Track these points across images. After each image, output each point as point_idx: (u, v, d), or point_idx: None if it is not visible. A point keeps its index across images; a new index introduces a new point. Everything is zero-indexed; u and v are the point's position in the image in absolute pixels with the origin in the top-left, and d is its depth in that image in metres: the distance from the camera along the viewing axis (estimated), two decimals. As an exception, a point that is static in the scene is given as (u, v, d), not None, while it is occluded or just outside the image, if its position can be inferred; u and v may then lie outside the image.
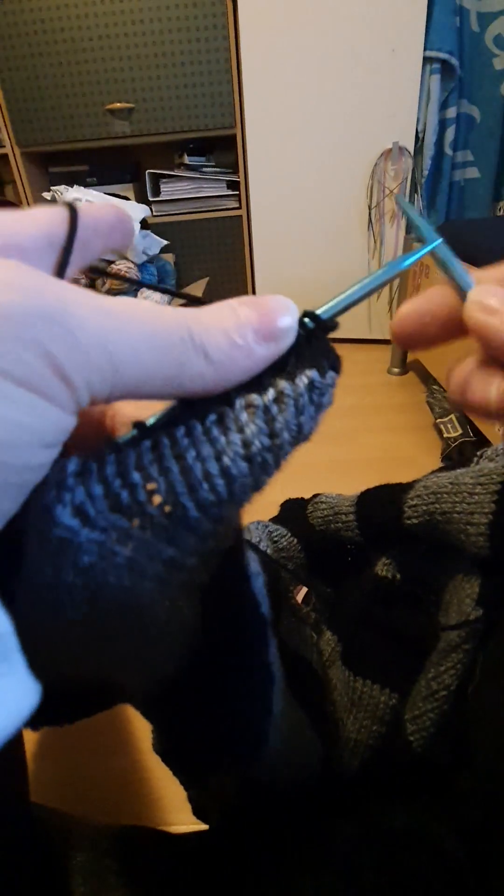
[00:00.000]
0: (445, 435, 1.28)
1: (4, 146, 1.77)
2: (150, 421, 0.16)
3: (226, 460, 0.15)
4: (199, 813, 0.33)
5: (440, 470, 0.38)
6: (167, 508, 0.15)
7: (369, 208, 1.79)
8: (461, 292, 0.19)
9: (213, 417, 0.15)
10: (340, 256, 1.88)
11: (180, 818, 0.33)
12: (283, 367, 0.16)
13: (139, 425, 0.16)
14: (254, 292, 2.00)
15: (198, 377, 0.14)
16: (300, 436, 0.16)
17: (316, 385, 0.16)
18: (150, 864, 0.32)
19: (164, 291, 0.22)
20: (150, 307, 0.14)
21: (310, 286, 1.89)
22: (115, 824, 0.35)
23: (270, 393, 0.16)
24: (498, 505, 0.30)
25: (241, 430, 0.15)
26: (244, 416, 0.15)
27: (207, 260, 1.96)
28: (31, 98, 1.70)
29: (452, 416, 1.30)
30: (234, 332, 0.15)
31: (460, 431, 1.25)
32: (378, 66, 1.61)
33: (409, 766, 0.31)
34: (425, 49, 1.62)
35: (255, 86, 1.66)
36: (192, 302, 0.19)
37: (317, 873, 0.28)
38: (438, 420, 1.33)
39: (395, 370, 1.78)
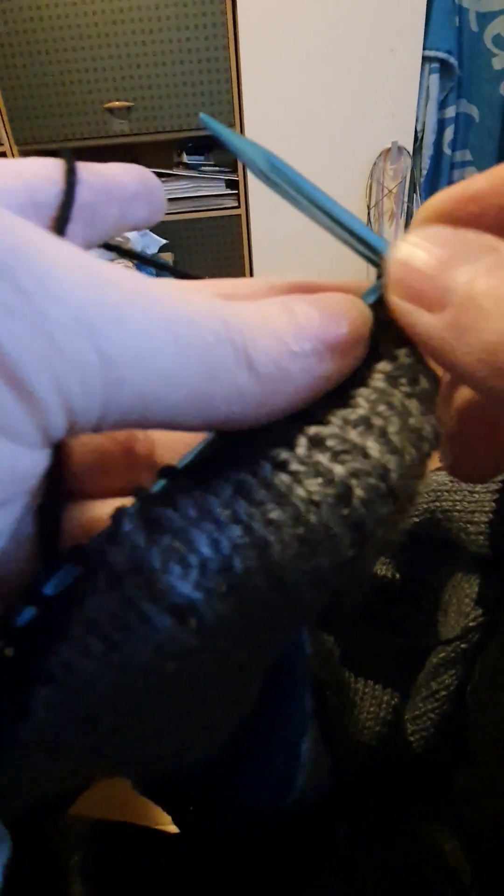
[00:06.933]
0: (444, 434, 1.28)
1: (3, 144, 1.77)
2: (187, 459, 0.11)
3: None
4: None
5: (440, 469, 0.38)
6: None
7: (368, 208, 1.79)
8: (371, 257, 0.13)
9: (306, 440, 0.10)
10: (339, 255, 1.88)
11: (179, 818, 0.33)
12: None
13: (167, 471, 0.11)
14: (252, 291, 2.00)
15: (235, 396, 0.09)
16: (423, 444, 0.11)
17: (393, 374, 0.12)
18: (149, 863, 0.32)
19: (185, 276, 0.16)
20: (168, 282, 0.09)
21: (308, 285, 1.89)
22: (113, 823, 0.35)
23: (361, 402, 0.11)
24: (498, 504, 0.30)
25: (365, 454, 0.10)
26: (353, 434, 0.10)
27: (206, 259, 1.95)
28: (30, 96, 1.70)
29: (451, 415, 1.30)
30: (290, 336, 0.10)
31: (459, 431, 1.25)
32: (377, 66, 1.61)
33: (409, 767, 0.31)
34: (424, 48, 1.62)
35: (254, 85, 1.66)
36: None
37: (316, 874, 0.27)
38: (437, 419, 1.33)
39: (394, 370, 1.79)
